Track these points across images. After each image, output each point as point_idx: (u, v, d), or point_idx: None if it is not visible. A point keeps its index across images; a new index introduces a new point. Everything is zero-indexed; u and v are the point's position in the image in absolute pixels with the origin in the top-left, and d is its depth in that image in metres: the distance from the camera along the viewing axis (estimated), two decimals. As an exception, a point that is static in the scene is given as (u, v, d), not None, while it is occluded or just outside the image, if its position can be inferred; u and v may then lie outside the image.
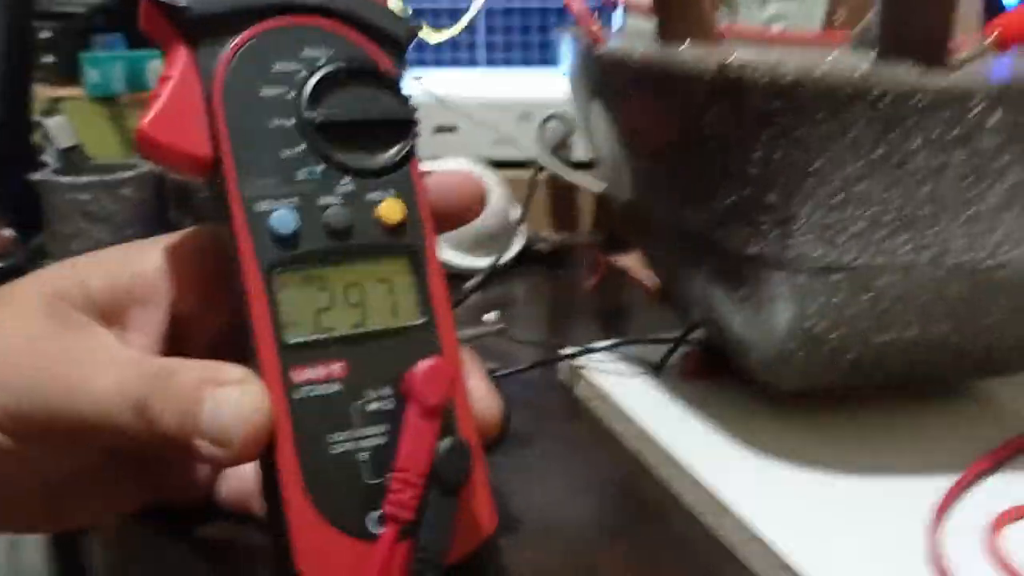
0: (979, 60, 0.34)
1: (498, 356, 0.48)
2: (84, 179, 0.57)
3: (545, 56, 0.74)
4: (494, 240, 0.63)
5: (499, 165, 0.69)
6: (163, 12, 0.29)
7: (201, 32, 0.29)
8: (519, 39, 0.74)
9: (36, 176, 0.58)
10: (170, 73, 0.29)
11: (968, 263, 0.34)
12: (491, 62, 0.75)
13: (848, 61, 0.35)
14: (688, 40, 0.38)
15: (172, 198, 0.54)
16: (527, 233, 0.68)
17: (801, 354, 0.36)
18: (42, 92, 0.86)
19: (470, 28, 0.74)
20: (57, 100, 0.94)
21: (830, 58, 0.39)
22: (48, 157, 0.59)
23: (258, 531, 0.34)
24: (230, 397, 0.27)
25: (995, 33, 0.34)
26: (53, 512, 0.33)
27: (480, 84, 0.76)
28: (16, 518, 0.33)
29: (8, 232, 0.61)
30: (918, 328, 0.36)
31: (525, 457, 0.40)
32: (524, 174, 0.67)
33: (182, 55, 0.29)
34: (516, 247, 0.65)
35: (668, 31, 0.39)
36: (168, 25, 0.29)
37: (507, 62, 0.74)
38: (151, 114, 0.28)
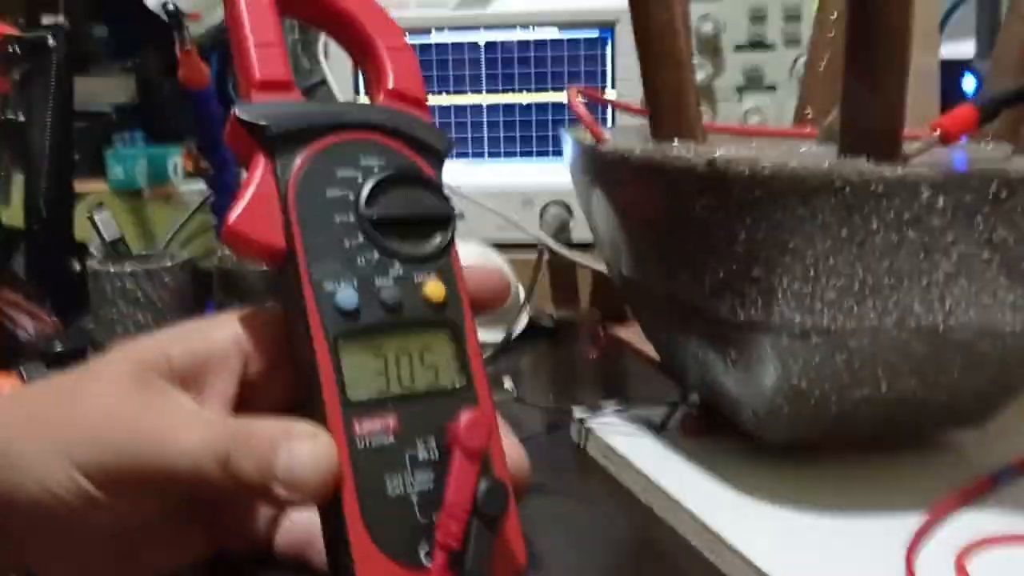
0: (927, 152, 0.39)
1: (511, 420, 0.53)
2: (129, 268, 0.62)
3: (542, 149, 0.81)
4: (501, 316, 0.68)
5: (503, 247, 0.75)
6: (246, 129, 0.35)
7: (277, 145, 0.35)
8: (519, 134, 0.81)
9: (85, 264, 0.63)
10: (252, 179, 0.35)
11: (927, 326, 0.39)
12: (493, 154, 0.81)
13: (816, 154, 0.41)
14: (678, 137, 0.44)
15: (219, 283, 0.59)
16: (532, 310, 0.73)
17: (787, 409, 0.41)
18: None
19: (477, 124, 0.81)
20: (82, 195, 1.00)
21: (801, 151, 0.46)
22: (93, 248, 0.65)
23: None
24: (304, 448, 0.32)
25: (939, 130, 0.40)
26: (123, 560, 0.37)
27: (486, 174, 0.82)
28: (90, 565, 0.37)
29: (52, 319, 0.66)
30: (887, 384, 0.41)
31: (546, 508, 0.45)
32: (527, 255, 0.73)
33: (261, 164, 0.35)
34: (522, 323, 0.71)
35: (660, 130, 0.45)
36: (250, 139, 0.35)
37: (509, 155, 0.81)
38: (237, 212, 0.34)
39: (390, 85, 0.39)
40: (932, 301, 0.39)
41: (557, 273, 0.79)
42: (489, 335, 0.67)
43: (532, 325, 0.73)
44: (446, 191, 0.37)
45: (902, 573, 0.36)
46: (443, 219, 0.37)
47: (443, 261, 0.36)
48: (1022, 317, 0.40)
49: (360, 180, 0.36)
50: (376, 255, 0.35)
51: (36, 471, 0.33)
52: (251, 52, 0.37)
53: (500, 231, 0.78)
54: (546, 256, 0.73)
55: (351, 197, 0.36)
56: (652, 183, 0.42)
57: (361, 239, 0.35)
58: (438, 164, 0.38)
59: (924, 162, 0.38)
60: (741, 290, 0.39)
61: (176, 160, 1.01)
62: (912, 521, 0.39)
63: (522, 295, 0.70)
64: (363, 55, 0.40)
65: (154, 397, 0.35)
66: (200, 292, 0.64)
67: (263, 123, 0.35)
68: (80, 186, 1.01)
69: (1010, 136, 0.45)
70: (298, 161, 0.35)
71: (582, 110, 0.46)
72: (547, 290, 0.79)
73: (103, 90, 1.16)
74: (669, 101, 0.44)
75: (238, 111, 0.35)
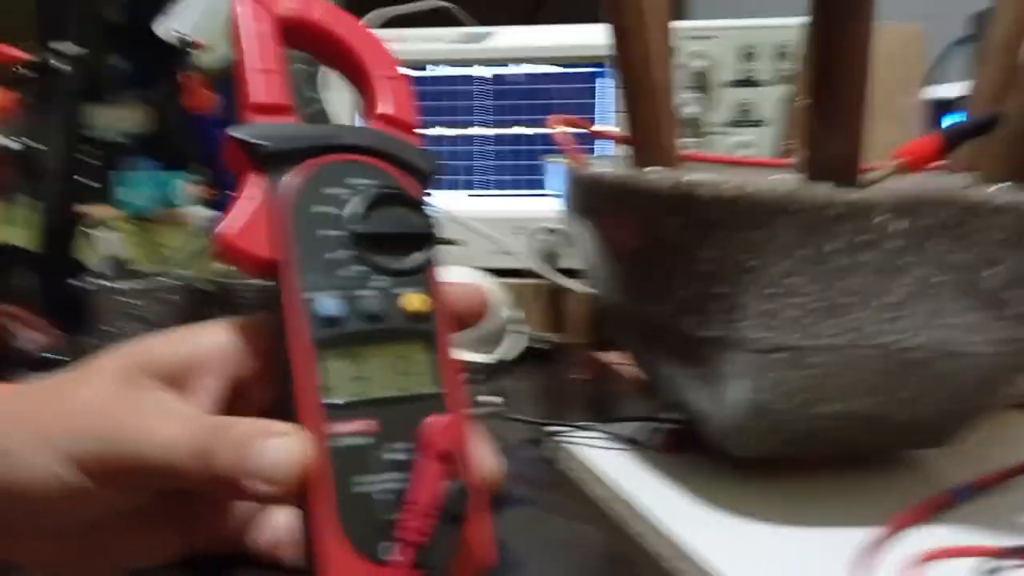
0: (888, 180, 0.41)
1: (494, 433, 0.54)
2: (129, 284, 0.64)
3: (533, 182, 0.83)
4: (493, 339, 0.70)
5: (497, 273, 0.77)
6: (243, 147, 0.37)
7: (272, 163, 0.37)
8: (512, 164, 0.83)
9: (86, 282, 0.65)
10: (245, 193, 0.37)
11: (884, 345, 0.41)
12: (488, 184, 0.84)
13: (780, 180, 0.43)
14: (654, 164, 0.46)
15: (216, 298, 0.62)
16: (527, 334, 0.75)
17: (751, 424, 0.43)
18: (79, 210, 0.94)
19: (471, 154, 0.83)
20: (92, 219, 1.03)
21: (769, 178, 0.47)
22: (95, 265, 0.67)
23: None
24: (280, 444, 0.34)
25: (901, 159, 0.42)
26: (98, 553, 0.38)
27: (481, 202, 0.84)
28: (66, 557, 0.38)
29: (55, 332, 0.68)
30: (847, 401, 0.42)
31: (518, 518, 0.46)
32: (520, 281, 0.75)
33: (256, 180, 0.37)
34: (520, 346, 0.72)
35: (638, 157, 0.47)
36: (246, 157, 0.37)
37: (502, 184, 0.83)
38: (227, 224, 0.36)
39: (382, 111, 0.41)
40: (890, 321, 0.40)
41: (552, 299, 0.81)
42: (478, 357, 0.69)
43: (527, 348, 0.75)
44: (430, 211, 0.39)
45: (854, 581, 0.37)
46: (425, 237, 0.39)
47: (423, 276, 0.38)
48: (979, 339, 0.42)
49: (348, 198, 0.38)
50: (360, 268, 0.37)
51: (26, 460, 0.35)
52: (248, 77, 0.39)
53: (494, 258, 0.80)
54: (539, 281, 0.75)
55: (338, 213, 0.38)
56: (625, 205, 0.44)
57: (346, 253, 0.37)
58: (424, 185, 0.40)
59: (883, 188, 0.40)
60: (706, 307, 0.41)
61: (183, 185, 1.04)
62: (873, 534, 0.40)
63: (515, 318, 0.72)
64: (360, 83, 0.43)
65: (139, 393, 0.36)
66: (199, 309, 0.66)
67: (256, 142, 0.37)
68: (91, 210, 1.04)
69: (979, 167, 0.46)
70: (289, 178, 0.37)
71: (562, 137, 0.49)
72: (541, 315, 0.81)
73: (117, 119, 1.19)
74: (646, 129, 0.46)
75: (232, 131, 0.38)
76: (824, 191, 0.39)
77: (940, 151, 0.44)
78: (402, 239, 0.38)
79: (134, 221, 1.03)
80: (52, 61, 0.68)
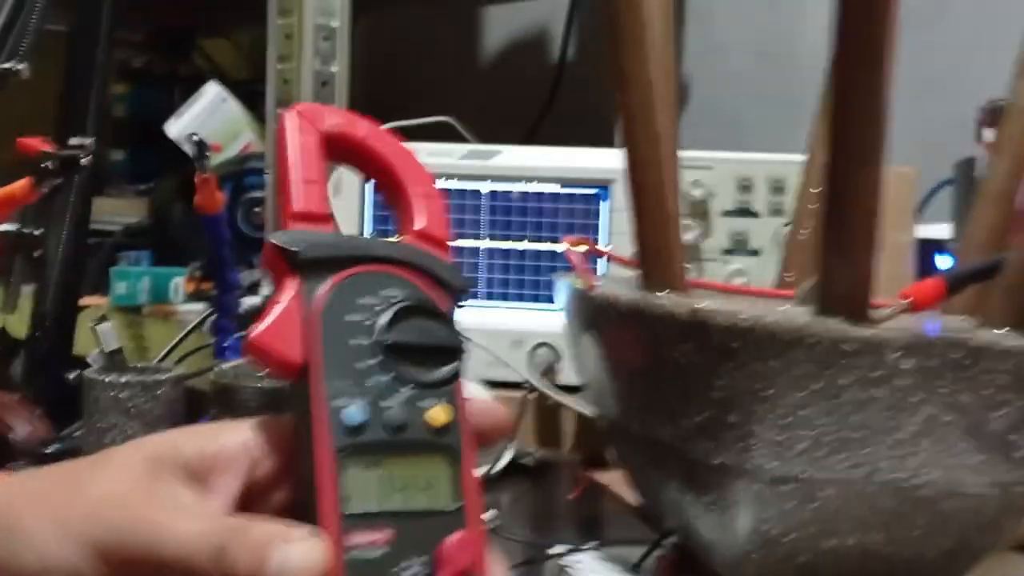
0: (896, 319, 0.42)
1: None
2: (125, 378, 0.63)
3: (535, 294, 0.84)
4: (482, 450, 0.69)
5: (493, 385, 0.77)
6: (280, 253, 0.38)
7: (307, 270, 0.38)
8: (513, 278, 0.85)
9: (82, 373, 0.64)
10: (279, 298, 0.37)
11: (894, 481, 0.41)
12: (488, 296, 0.84)
13: (793, 313, 0.44)
14: (663, 288, 0.47)
15: (215, 398, 0.61)
16: (515, 448, 0.75)
17: (757, 555, 0.43)
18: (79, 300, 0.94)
19: (474, 266, 0.85)
20: (82, 308, 1.02)
21: (779, 310, 0.48)
22: (91, 359, 0.66)
23: None
24: (297, 549, 0.33)
25: (909, 299, 0.43)
26: None
27: (479, 314, 0.85)
28: None
29: (45, 423, 0.67)
30: (857, 536, 0.42)
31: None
32: (514, 394, 0.75)
33: (289, 285, 0.38)
34: (505, 459, 0.72)
35: (648, 280, 0.48)
36: (283, 262, 0.38)
37: (503, 297, 0.84)
38: (262, 327, 0.37)
39: (417, 226, 0.42)
40: (900, 458, 0.41)
41: (542, 414, 0.81)
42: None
43: (514, 463, 0.75)
44: (459, 326, 0.40)
45: None
46: (453, 350, 0.39)
47: (449, 389, 0.39)
48: (985, 480, 0.42)
49: (379, 308, 0.38)
50: (386, 378, 0.37)
51: (36, 544, 0.34)
52: (291, 186, 0.40)
53: (490, 369, 0.80)
54: (532, 396, 0.75)
55: (368, 322, 0.38)
56: (637, 328, 0.44)
57: (374, 362, 0.38)
58: (453, 301, 0.41)
59: (894, 326, 0.41)
60: (718, 434, 0.41)
61: (178, 281, 1.04)
62: (877, 675, 0.40)
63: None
64: (396, 198, 0.44)
65: (161, 487, 0.36)
66: (192, 407, 0.66)
67: (294, 249, 0.38)
68: (83, 300, 1.04)
69: (980, 311, 0.48)
70: (324, 286, 0.38)
71: (576, 258, 0.50)
72: (531, 430, 0.80)
73: (115, 210, 1.20)
74: (657, 255, 0.48)
75: (272, 237, 0.38)
76: (839, 326, 0.40)
77: (943, 294, 0.45)
78: (430, 351, 0.39)
79: (123, 313, 1.03)
80: (78, 155, 0.69)
